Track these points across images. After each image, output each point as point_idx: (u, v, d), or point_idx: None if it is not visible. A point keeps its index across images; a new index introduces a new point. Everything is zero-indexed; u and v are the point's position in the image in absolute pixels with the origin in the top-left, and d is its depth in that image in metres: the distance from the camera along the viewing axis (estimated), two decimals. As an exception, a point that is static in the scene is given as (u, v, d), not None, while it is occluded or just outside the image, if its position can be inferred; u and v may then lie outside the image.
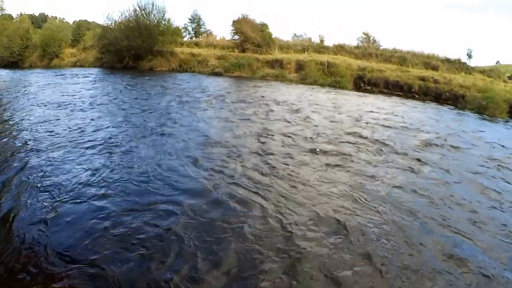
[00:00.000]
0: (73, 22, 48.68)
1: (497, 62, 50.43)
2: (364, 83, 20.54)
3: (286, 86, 18.69)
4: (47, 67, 27.41)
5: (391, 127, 9.95)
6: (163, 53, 25.07)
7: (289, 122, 9.56)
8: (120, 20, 26.39)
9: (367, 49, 26.75)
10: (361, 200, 4.99)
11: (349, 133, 8.72)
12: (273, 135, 7.97)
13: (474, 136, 10.39)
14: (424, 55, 25.92)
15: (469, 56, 27.69)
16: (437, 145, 8.36)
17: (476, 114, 15.99)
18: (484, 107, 16.82)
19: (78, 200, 4.46)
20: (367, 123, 10.30)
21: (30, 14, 45.93)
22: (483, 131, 11.58)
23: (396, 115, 12.22)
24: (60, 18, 51.30)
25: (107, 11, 32.47)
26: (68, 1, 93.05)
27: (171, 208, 4.34)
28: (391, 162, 6.67)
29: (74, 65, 28.03)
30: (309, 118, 10.15)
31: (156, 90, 14.39)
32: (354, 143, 7.79)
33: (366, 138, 8.36)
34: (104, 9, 73.74)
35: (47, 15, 58.29)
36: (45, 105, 10.71)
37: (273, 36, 27.30)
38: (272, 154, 6.59)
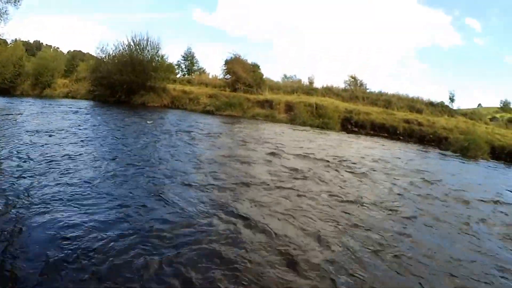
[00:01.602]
0: (68, 52, 49.60)
1: (479, 104, 51.95)
2: (351, 125, 21.32)
3: (276, 126, 19.37)
4: (38, 96, 27.33)
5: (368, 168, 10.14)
6: (156, 89, 25.46)
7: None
8: (114, 54, 26.76)
9: (354, 92, 27.75)
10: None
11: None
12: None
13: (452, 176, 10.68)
14: (409, 99, 27.02)
15: (452, 99, 28.89)
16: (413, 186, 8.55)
17: (458, 156, 16.56)
18: (467, 149, 17.38)
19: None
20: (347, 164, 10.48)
21: (25, 41, 45.80)
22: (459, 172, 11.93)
23: (376, 158, 12.44)
24: (54, 47, 51.39)
25: (101, 43, 31.95)
26: (64, 30, 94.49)
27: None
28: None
29: (66, 96, 28.08)
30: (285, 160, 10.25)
31: (147, 127, 14.49)
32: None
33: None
34: (98, 41, 74.10)
35: (42, 43, 58.73)
36: (30, 136, 10.48)
37: (264, 77, 28.09)
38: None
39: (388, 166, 11.07)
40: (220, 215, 5.35)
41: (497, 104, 52.01)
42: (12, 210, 4.86)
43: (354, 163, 10.72)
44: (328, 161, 10.50)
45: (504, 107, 49.71)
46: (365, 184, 8.41)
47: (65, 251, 3.90)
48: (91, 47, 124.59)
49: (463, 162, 15.07)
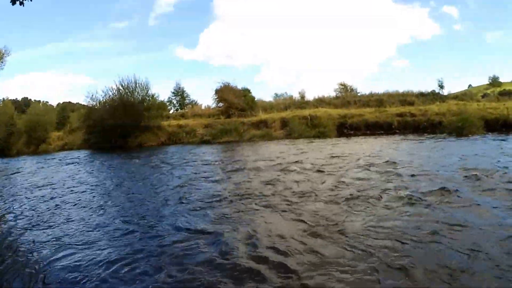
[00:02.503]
0: (57, 105, 49.23)
1: (469, 85, 52.35)
2: (346, 129, 21.88)
3: (273, 144, 19.71)
4: (35, 153, 26.87)
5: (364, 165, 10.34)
6: (150, 128, 25.71)
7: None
8: (104, 100, 26.97)
9: (345, 97, 28.20)
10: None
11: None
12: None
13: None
14: (399, 94, 27.59)
15: (441, 86, 29.27)
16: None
17: (454, 137, 17.02)
18: (461, 128, 17.91)
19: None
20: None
21: (13, 99, 45.73)
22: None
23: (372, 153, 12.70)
24: (43, 101, 51.16)
25: (90, 91, 31.94)
26: (50, 85, 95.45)
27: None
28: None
29: (62, 148, 27.83)
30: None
31: (145, 168, 14.09)
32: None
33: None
34: (85, 91, 74.75)
35: (30, 99, 57.41)
36: (29, 192, 10.64)
37: (255, 99, 28.68)
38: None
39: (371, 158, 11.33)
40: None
41: (486, 81, 52.64)
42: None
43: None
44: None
45: (494, 82, 50.17)
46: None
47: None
48: (80, 97, 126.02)
49: (456, 141, 15.58)
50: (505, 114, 19.00)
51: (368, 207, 6.25)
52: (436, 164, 9.94)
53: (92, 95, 27.21)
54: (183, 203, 7.67)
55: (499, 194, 6.54)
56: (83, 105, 31.07)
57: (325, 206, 6.55)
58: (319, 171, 10.16)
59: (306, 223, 5.65)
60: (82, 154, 22.53)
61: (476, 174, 7.98)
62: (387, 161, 10.69)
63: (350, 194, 7.14)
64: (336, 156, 12.75)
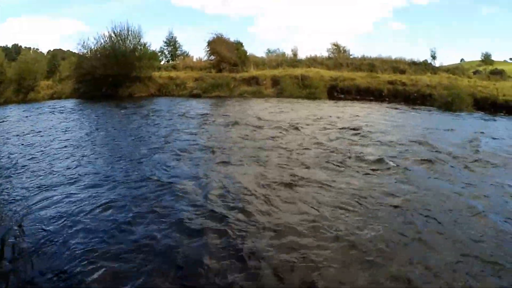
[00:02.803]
0: (48, 52, 48.20)
1: (461, 59, 52.29)
2: (337, 92, 21.68)
3: (263, 101, 19.60)
4: (23, 102, 26.41)
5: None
6: (141, 79, 25.20)
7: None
8: (95, 48, 26.14)
9: (338, 59, 27.81)
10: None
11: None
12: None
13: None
14: (392, 60, 27.29)
15: (433, 56, 29.19)
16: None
17: (443, 111, 17.21)
18: (450, 103, 17.97)
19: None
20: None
21: (3, 46, 44.31)
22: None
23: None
24: (34, 48, 49.81)
25: (82, 38, 30.52)
26: (41, 30, 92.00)
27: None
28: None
29: (51, 97, 27.17)
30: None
31: (132, 118, 14.28)
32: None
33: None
34: (77, 37, 72.03)
35: (21, 46, 55.39)
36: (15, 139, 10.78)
37: (248, 54, 28.14)
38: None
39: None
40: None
41: (479, 57, 52.57)
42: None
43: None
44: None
45: (486, 59, 50.18)
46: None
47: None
48: (71, 44, 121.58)
49: (440, 115, 15.93)
50: (494, 94, 18.91)
51: (321, 166, 7.00)
52: (404, 135, 10.28)
53: (84, 42, 26.10)
54: (161, 153, 8.20)
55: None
56: (74, 53, 30.00)
57: (287, 161, 7.32)
58: (294, 129, 10.85)
59: (264, 175, 6.34)
60: (71, 103, 22.14)
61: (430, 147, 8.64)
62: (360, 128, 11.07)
63: (314, 154, 7.90)
64: (318, 118, 13.13)
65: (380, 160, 7.35)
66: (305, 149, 8.36)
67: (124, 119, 14.14)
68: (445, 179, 6.32)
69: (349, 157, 7.62)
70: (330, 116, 13.76)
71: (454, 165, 7.21)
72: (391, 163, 7.14)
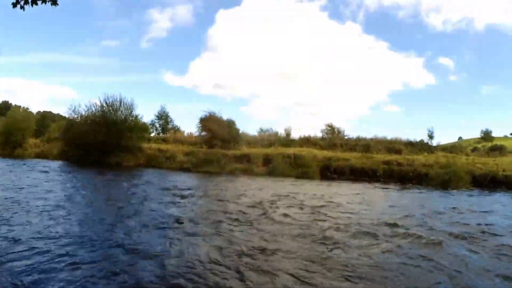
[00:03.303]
0: (37, 113, 49.11)
1: (459, 138, 52.31)
2: (330, 172, 21.11)
3: (252, 179, 18.92)
4: (9, 156, 26.45)
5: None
6: (131, 149, 25.04)
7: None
8: (86, 114, 26.43)
9: (332, 139, 27.80)
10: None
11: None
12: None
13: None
14: (387, 141, 27.27)
15: (431, 136, 29.06)
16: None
17: (440, 190, 16.64)
18: (448, 182, 17.64)
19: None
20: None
21: None
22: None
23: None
24: (24, 107, 51.02)
25: (73, 104, 30.74)
26: (32, 92, 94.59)
27: None
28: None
29: (38, 156, 27.22)
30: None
31: (116, 186, 14.41)
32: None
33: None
34: (67, 103, 73.75)
35: (11, 104, 56.99)
36: None
37: (240, 132, 28.05)
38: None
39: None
40: None
41: (478, 134, 52.63)
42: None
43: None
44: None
45: (485, 136, 50.15)
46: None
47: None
48: (61, 109, 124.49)
49: (430, 193, 15.63)
50: (494, 170, 18.82)
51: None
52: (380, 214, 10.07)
53: (75, 108, 26.72)
54: (134, 221, 8.20)
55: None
56: (64, 116, 31.04)
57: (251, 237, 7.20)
58: (270, 206, 10.64)
59: (238, 247, 6.35)
60: (58, 164, 22.08)
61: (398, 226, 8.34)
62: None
63: (281, 231, 7.72)
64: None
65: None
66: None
67: (107, 187, 14.09)
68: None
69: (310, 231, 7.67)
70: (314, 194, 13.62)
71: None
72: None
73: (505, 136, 56.49)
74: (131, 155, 24.77)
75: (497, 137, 50.72)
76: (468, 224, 8.84)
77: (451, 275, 5.25)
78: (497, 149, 38.77)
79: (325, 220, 8.84)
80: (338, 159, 21.63)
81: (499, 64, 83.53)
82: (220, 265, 5.43)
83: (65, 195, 11.10)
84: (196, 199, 11.77)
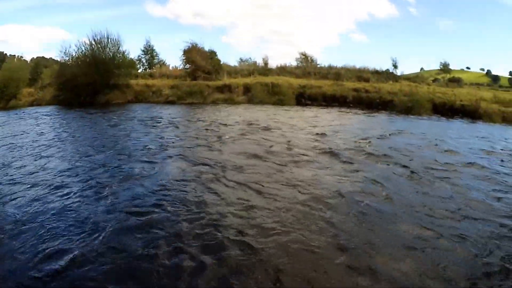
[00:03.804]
0: (31, 60, 47.83)
1: (421, 68, 54.43)
2: (304, 99, 22.43)
3: (235, 107, 20.10)
4: (4, 109, 25.74)
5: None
6: (119, 86, 25.09)
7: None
8: (77, 55, 25.91)
9: (306, 68, 28.63)
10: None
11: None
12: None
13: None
14: (356, 69, 28.41)
15: (395, 66, 30.35)
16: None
17: (404, 115, 18.27)
18: (410, 108, 19.17)
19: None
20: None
21: None
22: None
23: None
24: (18, 56, 49.10)
25: (64, 46, 29.48)
26: (24, 38, 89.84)
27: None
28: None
29: (31, 104, 26.78)
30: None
31: (111, 122, 14.67)
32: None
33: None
34: (59, 44, 70.55)
35: (6, 54, 55.10)
36: None
37: (221, 63, 28.48)
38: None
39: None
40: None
41: (437, 66, 54.86)
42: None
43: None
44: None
45: (444, 68, 52.44)
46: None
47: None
48: (54, 52, 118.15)
49: (406, 120, 16.90)
50: (452, 100, 20.17)
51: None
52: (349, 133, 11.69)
53: (66, 50, 25.86)
54: (119, 152, 8.82)
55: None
56: (57, 60, 29.51)
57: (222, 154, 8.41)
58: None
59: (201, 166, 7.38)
60: (48, 109, 21.80)
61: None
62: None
63: (255, 151, 8.69)
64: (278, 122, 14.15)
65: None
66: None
67: (94, 124, 14.38)
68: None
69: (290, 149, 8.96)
70: (285, 120, 14.80)
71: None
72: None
73: (462, 70, 59.02)
74: (120, 92, 24.80)
75: (454, 70, 53.22)
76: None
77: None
78: (455, 81, 41.38)
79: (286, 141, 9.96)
80: (312, 87, 22.91)
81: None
82: (187, 180, 6.35)
83: (54, 136, 11.52)
84: (174, 128, 12.61)
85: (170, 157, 8.18)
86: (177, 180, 6.37)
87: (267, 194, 5.68)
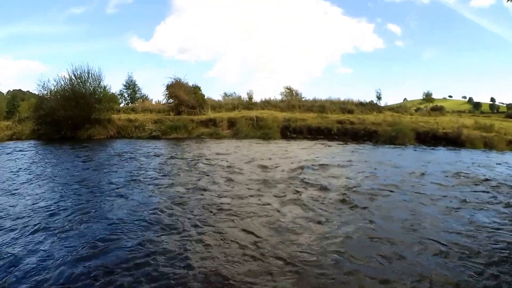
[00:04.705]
0: (7, 92, 46.63)
1: (404, 99, 54.98)
2: (290, 132, 21.86)
3: (218, 142, 19.32)
4: None
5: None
6: (101, 121, 24.20)
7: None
8: (55, 89, 24.92)
9: (291, 101, 28.40)
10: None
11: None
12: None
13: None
14: (341, 101, 28.21)
15: (379, 97, 30.56)
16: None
17: (389, 145, 17.90)
18: (395, 138, 18.85)
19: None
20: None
21: None
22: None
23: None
24: None
25: (42, 79, 28.45)
26: (2, 69, 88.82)
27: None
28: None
29: (11, 138, 25.35)
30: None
31: (89, 160, 13.87)
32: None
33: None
34: (36, 78, 69.86)
35: None
36: None
37: (205, 97, 28.04)
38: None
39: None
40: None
41: (420, 96, 55.57)
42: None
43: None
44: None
45: (427, 97, 53.09)
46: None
47: None
48: (32, 84, 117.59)
49: (375, 148, 16.99)
50: (434, 128, 20.06)
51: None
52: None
53: (44, 84, 24.90)
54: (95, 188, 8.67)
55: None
56: (34, 94, 28.56)
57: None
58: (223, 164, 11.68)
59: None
60: (28, 145, 20.64)
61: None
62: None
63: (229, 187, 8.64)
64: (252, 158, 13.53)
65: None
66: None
67: (74, 160, 13.77)
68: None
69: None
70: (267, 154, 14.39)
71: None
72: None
73: (444, 98, 59.84)
74: (102, 127, 23.96)
75: (437, 99, 53.89)
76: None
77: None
78: (438, 109, 41.56)
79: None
80: (297, 120, 22.43)
81: (440, 31, 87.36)
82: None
83: (32, 172, 11.04)
84: (156, 162, 12.44)
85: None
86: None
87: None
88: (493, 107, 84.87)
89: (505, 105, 78.24)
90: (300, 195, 7.62)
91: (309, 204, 6.91)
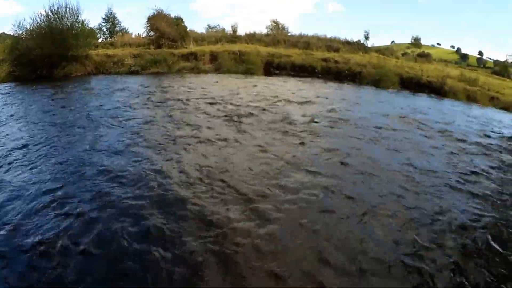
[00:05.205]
0: None
1: (392, 41, 53.97)
2: (273, 68, 21.14)
3: (198, 77, 18.72)
4: None
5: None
6: (78, 58, 22.62)
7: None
8: (32, 28, 22.82)
9: (276, 36, 27.24)
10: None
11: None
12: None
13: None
14: (327, 39, 27.27)
15: (366, 37, 29.46)
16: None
17: (372, 87, 17.75)
18: (378, 81, 18.54)
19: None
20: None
21: None
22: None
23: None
24: None
25: (17, 19, 26.32)
26: None
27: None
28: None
29: None
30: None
31: (66, 98, 13.52)
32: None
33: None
34: (15, 19, 65.92)
35: None
36: None
37: (188, 29, 26.59)
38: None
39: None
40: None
41: (409, 40, 54.39)
42: None
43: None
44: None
45: (415, 42, 51.99)
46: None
47: None
48: (7, 27, 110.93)
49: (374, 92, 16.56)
50: (419, 75, 19.77)
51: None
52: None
53: (20, 23, 22.68)
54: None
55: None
56: (10, 35, 25.84)
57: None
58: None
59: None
60: (4, 87, 18.93)
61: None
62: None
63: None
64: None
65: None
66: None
67: (49, 99, 13.39)
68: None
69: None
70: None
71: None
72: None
73: (432, 46, 58.86)
74: (79, 64, 22.47)
75: (425, 45, 52.90)
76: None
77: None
78: (424, 56, 40.84)
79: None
80: (281, 56, 21.58)
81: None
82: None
83: (3, 114, 10.48)
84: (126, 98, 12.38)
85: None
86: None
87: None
88: (480, 61, 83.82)
89: (492, 61, 77.52)
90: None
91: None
